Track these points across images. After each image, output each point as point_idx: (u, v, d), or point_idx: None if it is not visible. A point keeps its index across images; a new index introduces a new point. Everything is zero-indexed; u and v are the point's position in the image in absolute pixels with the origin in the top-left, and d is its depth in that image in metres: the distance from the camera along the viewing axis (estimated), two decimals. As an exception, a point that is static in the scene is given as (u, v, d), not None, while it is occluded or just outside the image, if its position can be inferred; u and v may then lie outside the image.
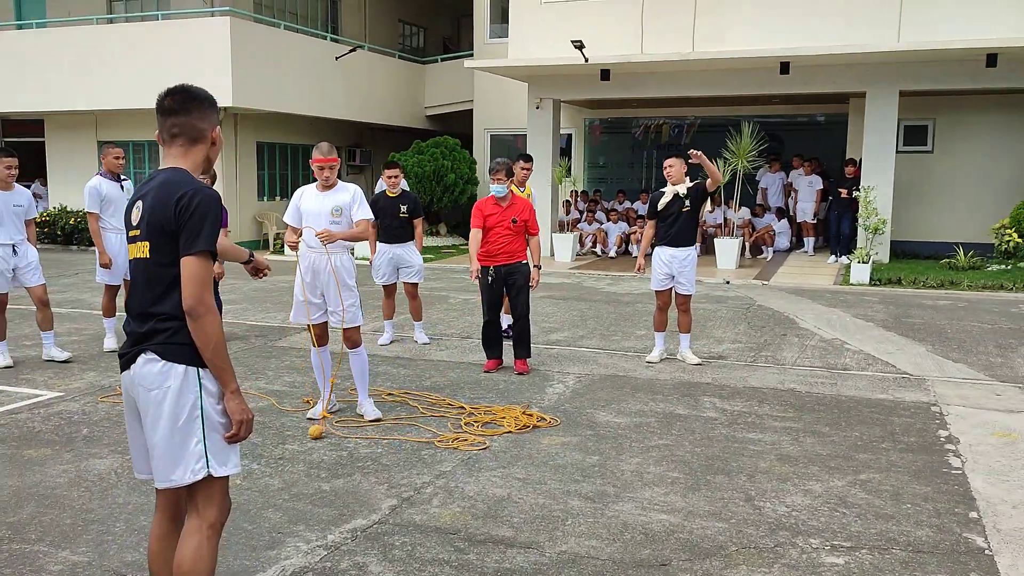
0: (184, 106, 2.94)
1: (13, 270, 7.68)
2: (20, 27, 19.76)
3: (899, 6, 14.40)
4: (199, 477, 2.83)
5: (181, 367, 2.80)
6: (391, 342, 8.60)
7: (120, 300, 6.58)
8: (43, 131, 20.09)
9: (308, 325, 5.91)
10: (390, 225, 8.30)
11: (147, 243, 2.84)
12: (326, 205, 5.83)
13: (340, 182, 5.97)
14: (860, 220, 14.78)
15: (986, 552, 3.91)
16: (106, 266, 8.13)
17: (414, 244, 8.48)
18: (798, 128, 19.25)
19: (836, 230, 15.75)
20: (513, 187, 7.65)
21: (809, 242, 16.83)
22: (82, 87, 17.73)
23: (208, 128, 2.98)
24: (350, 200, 5.86)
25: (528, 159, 8.73)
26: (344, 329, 5.89)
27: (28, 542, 3.98)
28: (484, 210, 7.20)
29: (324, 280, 5.86)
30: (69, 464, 5.00)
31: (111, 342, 8.23)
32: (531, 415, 5.97)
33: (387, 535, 4.06)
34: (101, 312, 8.36)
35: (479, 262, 7.23)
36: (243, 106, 17.16)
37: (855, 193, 14.93)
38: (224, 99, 16.65)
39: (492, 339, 7.48)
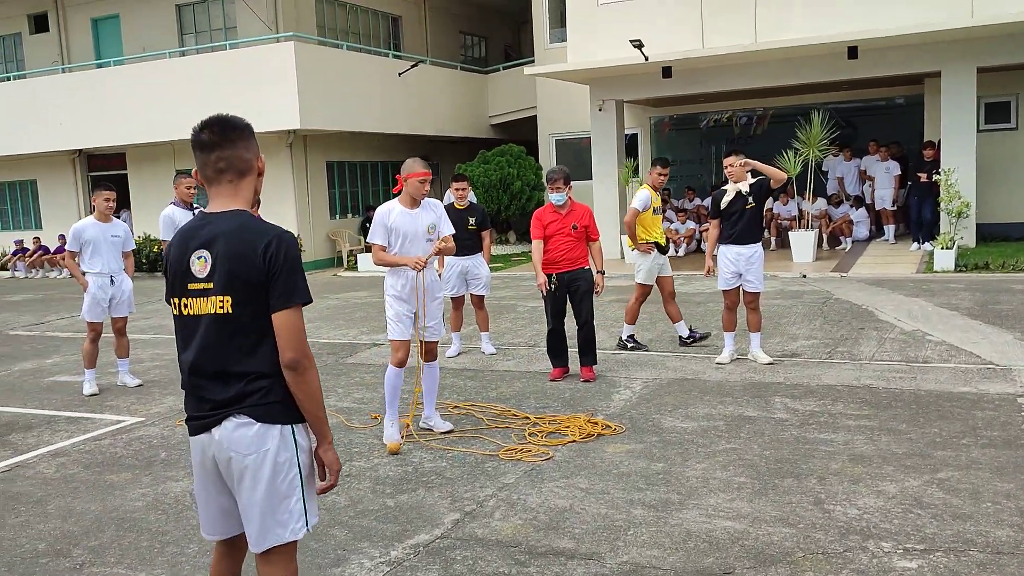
0: (226, 137, 2.72)
1: (110, 300, 8.03)
2: (99, 66, 20.67)
3: (971, -20, 13.82)
4: (300, 536, 2.71)
5: (277, 427, 2.65)
6: (458, 354, 8.66)
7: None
8: (125, 163, 20.97)
9: (408, 342, 5.90)
10: (459, 237, 8.29)
11: (227, 297, 2.63)
12: (421, 224, 5.82)
13: (425, 200, 5.95)
14: (942, 204, 14.22)
15: (1073, 553, 3.71)
16: None
17: (482, 256, 8.52)
18: (871, 112, 18.65)
19: (917, 216, 15.17)
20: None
21: (889, 230, 16.27)
22: (159, 119, 18.42)
23: (253, 158, 2.78)
24: (438, 217, 5.92)
25: (665, 163, 8.47)
26: (426, 342, 5.95)
27: (108, 565, 4.14)
28: (543, 219, 7.20)
29: (419, 296, 5.85)
30: (147, 488, 5.19)
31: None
32: (595, 423, 5.93)
33: (449, 550, 4.08)
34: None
35: (543, 270, 7.21)
36: (310, 128, 17.56)
37: (935, 177, 14.37)
38: (292, 122, 17.12)
39: (557, 348, 7.45)
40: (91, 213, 8.13)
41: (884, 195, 16.19)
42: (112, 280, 8.05)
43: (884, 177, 16.14)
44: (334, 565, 3.99)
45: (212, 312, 2.65)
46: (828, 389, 6.64)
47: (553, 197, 7.15)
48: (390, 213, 5.83)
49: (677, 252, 16.78)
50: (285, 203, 18.18)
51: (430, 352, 6.02)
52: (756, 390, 6.73)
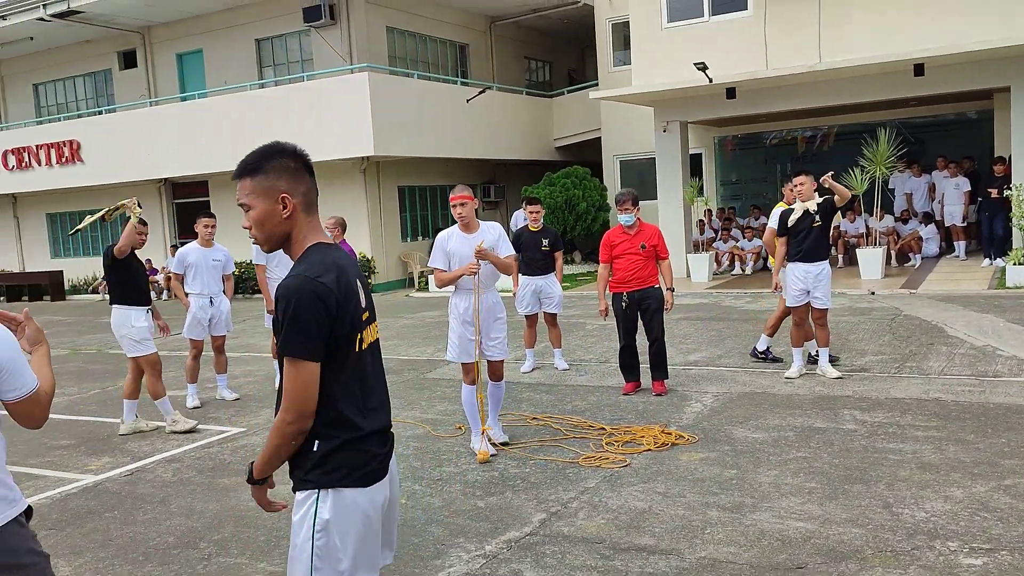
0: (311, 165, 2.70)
1: (209, 320, 8.64)
2: (183, 98, 21.78)
3: (1039, -6, 13.79)
4: None
5: None
6: (533, 369, 9.04)
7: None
8: (207, 191, 21.99)
9: (475, 363, 6.08)
10: (533, 258, 8.77)
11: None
12: (474, 246, 5.94)
13: (482, 223, 6.12)
14: (1014, 220, 14.12)
15: None
16: (272, 312, 8.97)
17: (555, 276, 8.91)
18: (940, 128, 18.54)
19: (988, 232, 15.07)
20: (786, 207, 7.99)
21: (960, 246, 16.15)
22: (239, 148, 18.98)
23: None
24: (496, 239, 6.04)
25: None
26: (491, 362, 6.13)
27: (231, 555, 4.61)
28: (612, 240, 7.56)
29: (482, 316, 6.02)
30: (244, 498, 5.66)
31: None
32: (669, 433, 6.24)
33: (538, 545, 4.44)
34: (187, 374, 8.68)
35: (612, 289, 7.58)
36: (383, 154, 18.23)
37: (1006, 192, 14.28)
38: (366, 149, 17.82)
39: (629, 363, 7.77)
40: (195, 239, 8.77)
41: (953, 211, 16.10)
42: (211, 301, 8.66)
43: (953, 193, 16.05)
44: (435, 557, 4.39)
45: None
46: (896, 402, 6.82)
47: (622, 218, 7.50)
48: (449, 238, 6.05)
49: (744, 270, 16.93)
50: (359, 226, 18.84)
51: (494, 372, 6.19)
52: (825, 403, 6.94)
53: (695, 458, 5.71)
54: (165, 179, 22.30)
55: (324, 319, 2.41)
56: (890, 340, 9.45)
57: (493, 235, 6.07)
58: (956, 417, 6.29)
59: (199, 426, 7.57)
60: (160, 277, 21.85)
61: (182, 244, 22.63)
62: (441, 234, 6.17)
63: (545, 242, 8.80)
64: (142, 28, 22.62)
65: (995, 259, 14.75)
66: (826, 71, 14.90)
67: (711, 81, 15.30)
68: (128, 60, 23.44)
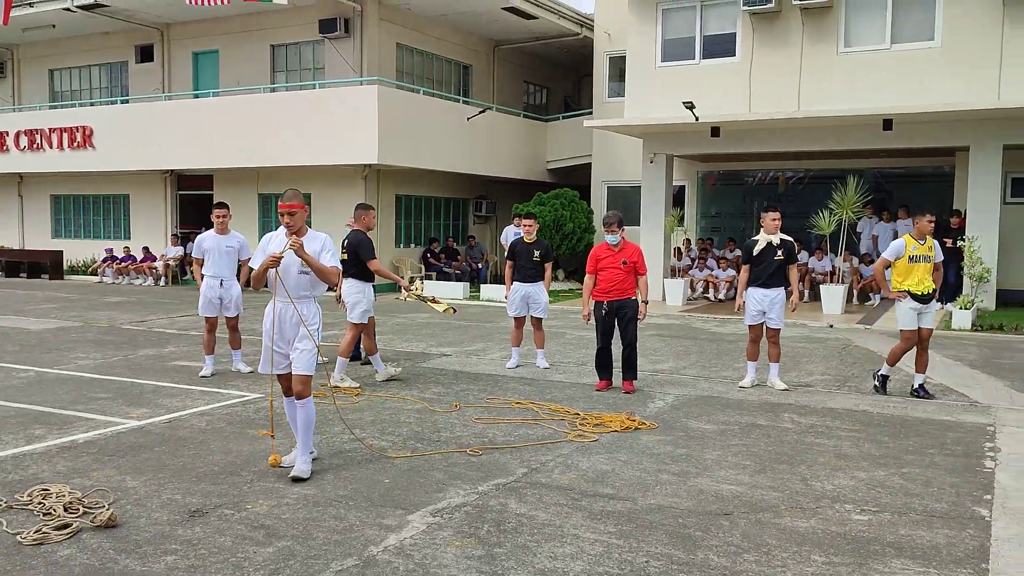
0: None
1: (220, 299, 9.61)
2: (197, 95, 22.75)
3: (999, 64, 15.15)
4: None
5: None
6: (517, 366, 10.08)
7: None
8: (212, 185, 22.94)
9: (271, 376, 5.96)
10: (525, 266, 9.84)
11: None
12: (294, 254, 5.72)
13: (311, 230, 5.91)
14: (964, 269, 15.38)
15: (986, 519, 5.00)
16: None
17: (543, 284, 9.97)
18: (905, 180, 19.87)
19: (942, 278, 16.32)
20: (908, 239, 8.50)
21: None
22: (248, 147, 20.32)
23: None
24: (319, 248, 5.81)
25: (773, 210, 8.93)
26: (294, 375, 5.76)
27: (269, 481, 5.61)
28: (598, 255, 8.66)
29: (289, 328, 5.78)
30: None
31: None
32: (634, 420, 7.31)
33: (521, 489, 5.49)
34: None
35: (595, 298, 8.67)
36: (386, 163, 19.29)
37: (959, 243, 15.55)
38: (370, 157, 18.89)
39: (604, 363, 8.85)
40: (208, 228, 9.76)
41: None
42: (222, 283, 9.63)
43: (914, 240, 17.30)
44: (437, 491, 5.42)
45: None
46: (830, 410, 7.94)
47: (608, 238, 8.60)
48: (271, 240, 5.93)
49: (716, 297, 18.10)
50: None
51: (294, 387, 5.78)
52: (769, 407, 8.05)
53: (654, 439, 6.78)
54: (171, 170, 23.23)
55: None
56: (837, 365, 10.58)
57: (316, 244, 5.83)
58: (877, 424, 7.40)
59: (220, 391, 8.55)
60: (159, 264, 22.74)
61: (183, 233, 23.64)
62: (266, 236, 6.04)
63: (537, 253, 9.88)
64: (161, 25, 23.62)
65: (945, 304, 15.99)
66: (803, 119, 16.17)
67: (697, 119, 16.52)
68: (145, 54, 24.40)
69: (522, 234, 10.09)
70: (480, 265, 22.49)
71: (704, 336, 13.12)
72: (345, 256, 9.22)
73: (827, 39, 16.58)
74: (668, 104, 17.30)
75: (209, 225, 9.85)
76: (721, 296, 18.07)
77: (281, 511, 5.05)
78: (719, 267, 18.65)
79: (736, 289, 17.96)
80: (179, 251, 22.95)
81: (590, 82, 24.37)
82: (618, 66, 22.40)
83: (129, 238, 24.41)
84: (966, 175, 16.38)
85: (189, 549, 4.46)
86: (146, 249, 23.43)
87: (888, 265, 8.69)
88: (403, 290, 9.57)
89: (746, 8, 16.71)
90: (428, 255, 21.82)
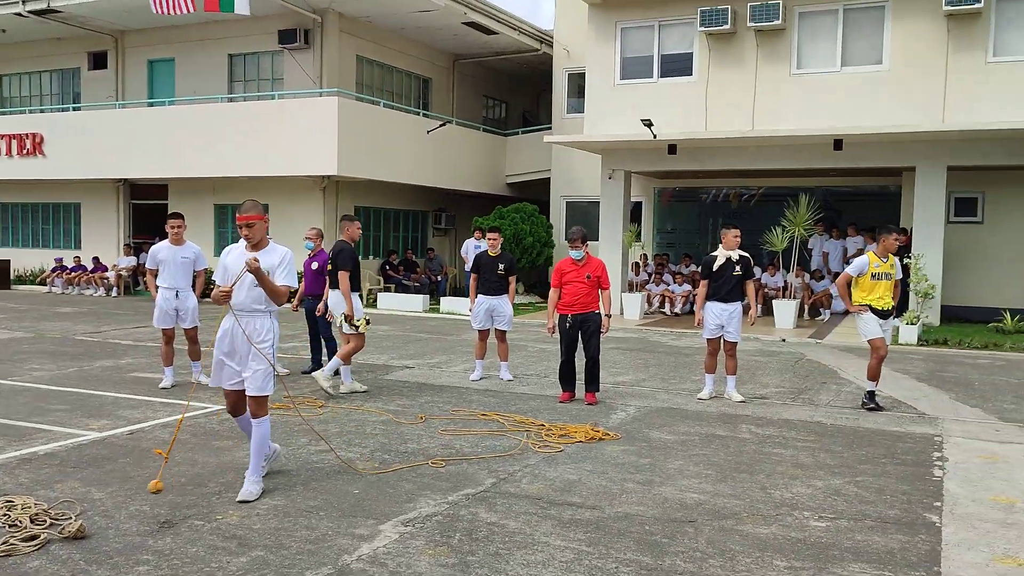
0: None
1: (176, 310, 9.53)
2: (151, 104, 22.48)
3: (943, 89, 15.72)
4: None
5: None
6: (481, 379, 10.16)
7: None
8: (167, 194, 22.66)
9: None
10: (489, 279, 9.94)
11: None
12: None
13: (272, 243, 5.79)
14: (911, 285, 15.87)
15: (936, 524, 5.22)
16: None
17: (507, 297, 10.07)
18: (854, 198, 20.43)
19: (889, 294, 16.81)
20: (871, 256, 8.60)
21: (865, 305, 17.86)
22: (204, 157, 20.14)
23: None
24: (276, 263, 5.66)
25: (733, 227, 9.18)
26: (248, 396, 5.64)
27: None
28: (562, 269, 8.80)
29: (239, 345, 5.63)
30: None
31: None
32: (598, 431, 7.44)
33: (491, 498, 5.57)
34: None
35: (559, 311, 8.81)
36: (345, 175, 19.27)
37: (906, 260, 16.03)
38: (330, 168, 18.86)
39: (567, 375, 8.98)
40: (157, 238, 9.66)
41: (859, 274, 17.84)
42: (177, 295, 9.55)
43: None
44: (407, 501, 5.48)
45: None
46: (785, 422, 8.16)
47: (572, 253, 8.76)
48: (230, 251, 5.80)
49: (673, 311, 18.38)
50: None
51: (249, 406, 5.68)
52: (727, 418, 8.25)
53: (617, 450, 6.92)
54: (124, 179, 22.89)
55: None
56: (790, 378, 10.86)
57: (274, 258, 5.69)
58: (831, 435, 7.64)
59: (182, 402, 8.48)
60: (111, 274, 22.35)
61: (136, 243, 23.29)
62: (227, 248, 5.92)
63: (501, 266, 9.99)
64: (116, 32, 23.32)
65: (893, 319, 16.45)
66: (757, 137, 16.57)
67: (655, 137, 16.83)
68: (98, 61, 24.05)
69: (482, 247, 10.19)
70: (439, 278, 22.53)
71: (662, 349, 13.34)
72: (331, 267, 9.27)
73: (780, 61, 17.03)
74: (627, 121, 17.59)
75: (163, 235, 9.76)
76: (677, 310, 18.36)
77: (252, 521, 5.07)
78: (675, 282, 18.95)
79: (693, 303, 18.45)
80: (132, 261, 22.61)
81: (548, 97, 24.66)
82: (577, 82, 22.70)
83: (79, 248, 23.97)
84: (912, 194, 16.92)
85: (161, 560, 4.45)
86: (96, 259, 23.02)
87: (850, 281, 8.90)
88: (348, 320, 9.23)
89: (703, 28, 17.09)
90: (387, 267, 21.80)
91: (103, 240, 23.73)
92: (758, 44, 17.10)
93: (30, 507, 5.04)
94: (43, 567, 4.32)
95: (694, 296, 18.55)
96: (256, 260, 5.47)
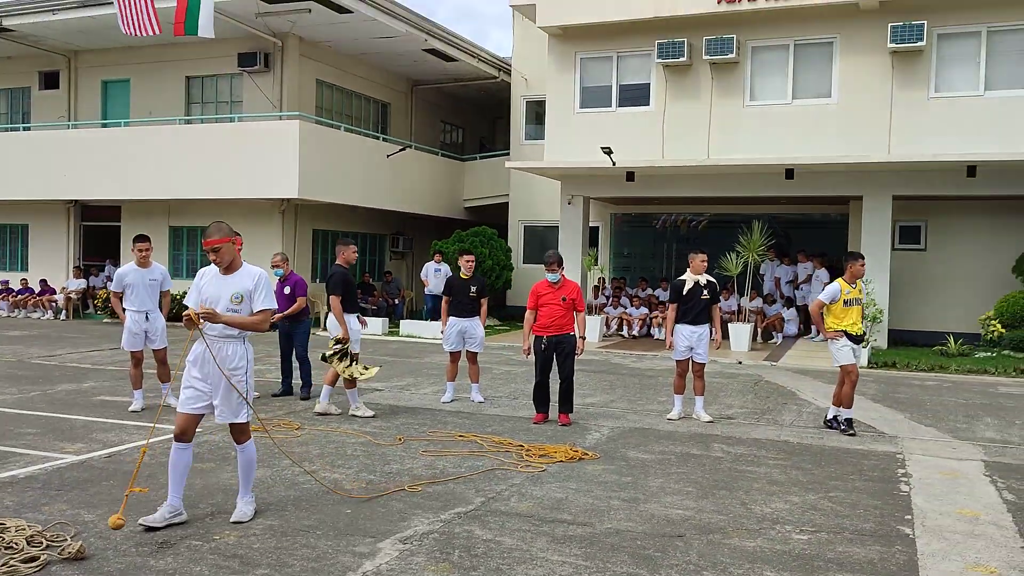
0: None
1: (145, 332, 9.47)
2: (105, 125, 22.18)
3: (888, 122, 16.42)
4: None
5: None
6: (452, 400, 10.25)
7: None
8: (120, 216, 22.30)
9: (190, 415, 5.54)
10: (461, 302, 10.07)
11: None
12: (226, 290, 5.48)
13: (246, 265, 5.62)
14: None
15: (910, 536, 5.49)
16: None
17: (479, 319, 10.21)
18: (804, 225, 21.08)
19: (839, 318, 17.36)
20: (842, 283, 8.83)
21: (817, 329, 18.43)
22: (160, 179, 19.91)
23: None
24: (252, 287, 5.50)
25: (701, 252, 9.48)
26: (230, 424, 5.57)
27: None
28: (539, 291, 8.99)
29: (212, 369, 5.45)
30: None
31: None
32: (577, 451, 7.60)
33: (482, 516, 5.68)
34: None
35: (534, 332, 8.98)
36: (306, 198, 19.24)
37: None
38: (291, 191, 18.82)
39: (541, 397, 9.13)
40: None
41: (811, 298, 18.42)
42: (147, 317, 9.50)
43: (815, 283, 18.40)
44: (401, 520, 5.56)
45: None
46: (754, 441, 8.43)
47: (549, 276, 8.96)
48: (203, 276, 5.63)
49: (631, 334, 18.69)
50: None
51: (232, 434, 5.62)
52: (699, 438, 8.48)
53: (598, 468, 7.09)
54: (75, 200, 22.49)
55: None
56: (752, 399, 11.18)
57: (249, 283, 5.52)
58: (799, 453, 7.92)
59: (156, 425, 8.40)
60: (59, 297, 21.88)
61: (87, 265, 22.86)
62: (200, 271, 5.71)
63: (473, 289, 10.13)
64: (68, 52, 22.99)
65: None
66: (712, 166, 17.07)
67: (614, 164, 17.21)
68: (49, 81, 23.67)
69: (442, 270, 10.31)
70: (396, 301, 22.55)
71: (625, 371, 13.59)
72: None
73: (734, 92, 17.59)
74: (586, 148, 17.95)
75: (111, 256, 9.71)
76: (635, 332, 18.67)
77: (250, 541, 5.10)
78: (632, 305, 19.29)
79: (650, 326, 18.81)
80: (82, 284, 22.18)
81: (504, 124, 24.98)
82: (534, 110, 23.08)
83: (27, 270, 23.42)
84: (859, 222, 17.56)
85: (167, 579, 4.47)
86: (44, 282, 22.53)
87: (822, 307, 9.12)
88: (336, 344, 9.32)
89: (660, 60, 17.58)
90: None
91: (51, 262, 23.22)
92: (713, 76, 17.65)
93: (24, 529, 5.00)
94: (47, 588, 4.31)
95: (651, 319, 19.03)
96: (209, 311, 5.30)
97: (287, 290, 10.51)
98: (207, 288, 5.53)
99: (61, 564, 4.62)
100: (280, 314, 10.32)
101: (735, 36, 17.02)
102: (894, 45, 15.89)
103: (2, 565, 4.48)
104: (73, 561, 4.65)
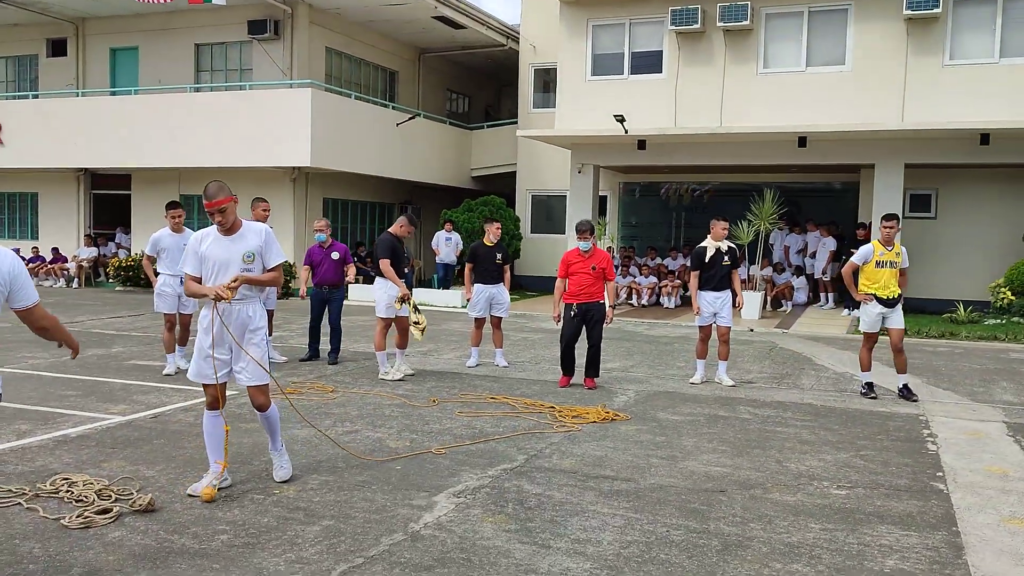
0: None
1: (179, 296, 9.62)
2: (114, 93, 22.12)
3: (902, 90, 16.46)
4: None
5: None
6: (477, 365, 10.42)
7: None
8: (129, 184, 22.34)
9: (206, 385, 5.36)
10: (487, 269, 10.21)
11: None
12: (236, 251, 5.26)
13: (245, 222, 5.42)
14: (870, 277, 16.55)
15: (944, 492, 5.68)
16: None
17: (504, 285, 10.35)
18: (815, 194, 21.17)
19: (848, 286, 17.53)
20: (875, 244, 8.96)
21: (828, 297, 18.57)
22: (170, 146, 19.92)
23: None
24: (262, 243, 5.34)
25: (722, 219, 9.66)
26: (248, 387, 5.40)
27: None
28: (569, 260, 9.12)
29: (235, 328, 5.29)
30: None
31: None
32: (609, 412, 7.77)
33: (528, 472, 5.86)
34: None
35: (565, 300, 9.13)
36: (318, 166, 19.29)
37: (865, 253, 16.72)
38: (303, 160, 18.86)
39: (568, 361, 9.29)
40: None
41: (818, 267, 18.59)
42: (181, 281, 9.63)
43: (821, 251, 18.55)
44: (450, 475, 5.74)
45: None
46: (779, 403, 8.61)
47: (580, 244, 9.08)
48: (202, 239, 5.35)
49: (640, 302, 18.86)
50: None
51: (252, 399, 5.43)
52: (724, 401, 8.66)
53: (632, 429, 7.27)
54: (85, 169, 22.50)
55: None
56: (770, 364, 11.35)
57: (257, 240, 5.34)
58: (824, 415, 8.11)
59: (193, 388, 8.58)
60: (71, 265, 21.98)
61: (98, 234, 22.92)
62: (195, 234, 5.43)
63: (499, 256, 10.27)
64: (76, 19, 22.87)
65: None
66: (725, 134, 17.11)
67: (627, 132, 17.25)
68: (57, 48, 23.56)
69: (452, 239, 10.40)
70: (406, 270, 22.60)
71: (640, 339, 13.76)
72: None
73: (748, 60, 17.60)
74: (597, 116, 17.98)
75: (122, 223, 9.86)
76: (644, 302, 18.83)
77: (310, 495, 5.28)
78: (641, 274, 19.43)
79: (659, 295, 18.95)
80: (93, 252, 22.26)
81: (510, 92, 24.93)
82: (543, 78, 23.05)
83: (37, 238, 23.48)
84: (870, 190, 17.65)
85: (238, 529, 4.64)
86: (55, 250, 22.62)
87: (856, 269, 9.26)
88: (404, 300, 9.62)
89: (673, 27, 17.56)
90: (355, 259, 21.82)
91: (61, 230, 23.28)
92: (726, 43, 17.64)
93: (92, 483, 5.16)
94: (126, 537, 4.48)
95: (660, 288, 19.17)
96: (228, 293, 5.12)
97: (334, 255, 10.71)
98: (212, 252, 5.26)
99: (133, 516, 4.79)
100: (348, 278, 10.91)
101: (749, 2, 17.00)
102: (909, 12, 15.89)
103: (77, 517, 4.65)
104: (144, 513, 4.82)
